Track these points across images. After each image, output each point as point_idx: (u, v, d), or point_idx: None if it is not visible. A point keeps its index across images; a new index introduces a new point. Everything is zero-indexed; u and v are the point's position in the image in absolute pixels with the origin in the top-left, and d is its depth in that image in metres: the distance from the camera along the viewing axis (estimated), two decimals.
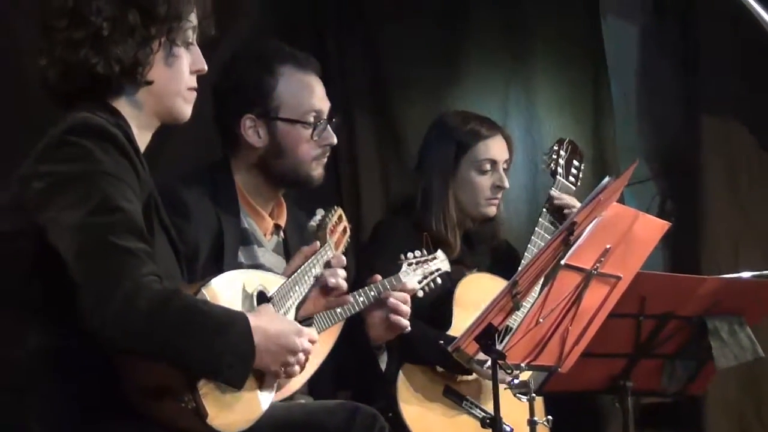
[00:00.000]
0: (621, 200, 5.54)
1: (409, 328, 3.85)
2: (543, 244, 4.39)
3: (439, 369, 4.28)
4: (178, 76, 2.95)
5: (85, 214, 2.64)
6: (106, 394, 2.70)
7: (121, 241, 2.62)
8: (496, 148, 4.59)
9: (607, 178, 3.19)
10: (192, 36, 2.99)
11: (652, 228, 3.55)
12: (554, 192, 4.56)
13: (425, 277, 3.94)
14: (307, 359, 2.98)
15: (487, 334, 3.22)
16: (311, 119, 3.80)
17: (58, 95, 2.91)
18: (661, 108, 5.78)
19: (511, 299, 3.29)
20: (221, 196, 3.75)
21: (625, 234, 3.41)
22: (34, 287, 2.72)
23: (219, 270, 3.55)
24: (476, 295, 4.37)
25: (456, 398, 4.27)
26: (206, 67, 3.03)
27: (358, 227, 5.54)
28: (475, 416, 4.21)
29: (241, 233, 3.76)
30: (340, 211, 3.64)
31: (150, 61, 2.88)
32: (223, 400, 2.77)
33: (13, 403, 2.70)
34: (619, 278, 3.51)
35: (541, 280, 3.42)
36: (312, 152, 3.81)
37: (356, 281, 3.73)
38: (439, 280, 3.99)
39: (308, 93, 3.83)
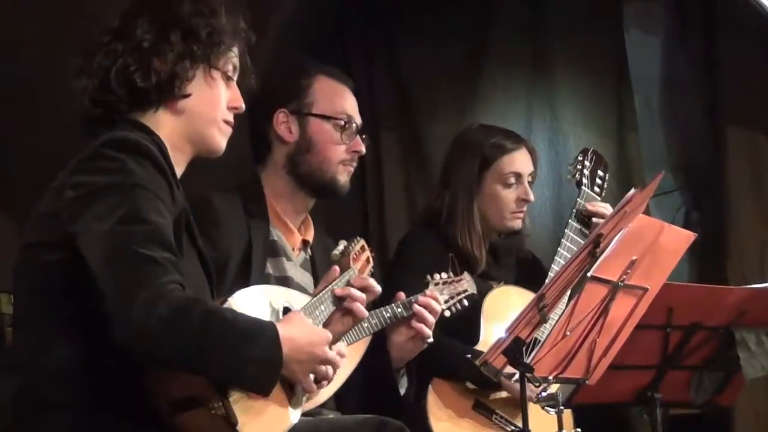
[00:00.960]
0: (647, 212, 5.54)
1: (431, 339, 3.82)
2: (569, 254, 4.40)
3: (469, 385, 4.25)
4: (215, 102, 3.00)
5: (114, 223, 2.65)
6: (136, 407, 2.70)
7: (147, 250, 2.63)
8: (520, 161, 4.57)
9: (633, 190, 3.17)
10: (233, 72, 3.04)
11: (678, 239, 3.53)
12: (582, 201, 4.54)
13: (452, 298, 3.92)
14: (335, 371, 2.97)
15: (514, 348, 3.20)
16: (342, 120, 3.82)
17: (96, 116, 2.92)
18: (684, 119, 5.76)
19: (538, 312, 3.27)
20: (252, 207, 3.77)
21: (651, 245, 3.39)
22: (68, 298, 2.72)
23: (247, 279, 3.57)
24: (503, 308, 4.38)
25: (486, 412, 4.24)
26: (243, 106, 3.07)
27: (382, 241, 5.57)
28: (505, 430, 4.18)
29: (270, 245, 3.77)
30: (362, 241, 3.63)
31: (188, 76, 2.91)
32: (253, 409, 2.77)
33: (45, 417, 2.70)
34: (645, 290, 3.49)
35: (568, 293, 3.40)
36: (340, 155, 3.83)
37: (383, 296, 3.69)
38: (465, 302, 3.97)
39: (341, 98, 3.87)
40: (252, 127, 3.85)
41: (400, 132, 5.79)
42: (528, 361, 3.26)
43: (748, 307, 3.84)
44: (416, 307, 3.78)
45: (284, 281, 3.73)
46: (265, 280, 3.67)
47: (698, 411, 4.31)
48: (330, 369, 2.93)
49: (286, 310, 3.05)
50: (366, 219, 5.73)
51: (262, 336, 2.72)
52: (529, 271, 4.66)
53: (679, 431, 4.80)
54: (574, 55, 5.70)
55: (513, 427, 4.16)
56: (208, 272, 2.99)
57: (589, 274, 3.26)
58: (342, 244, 3.53)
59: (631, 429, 4.55)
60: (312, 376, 2.91)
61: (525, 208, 4.58)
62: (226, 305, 2.85)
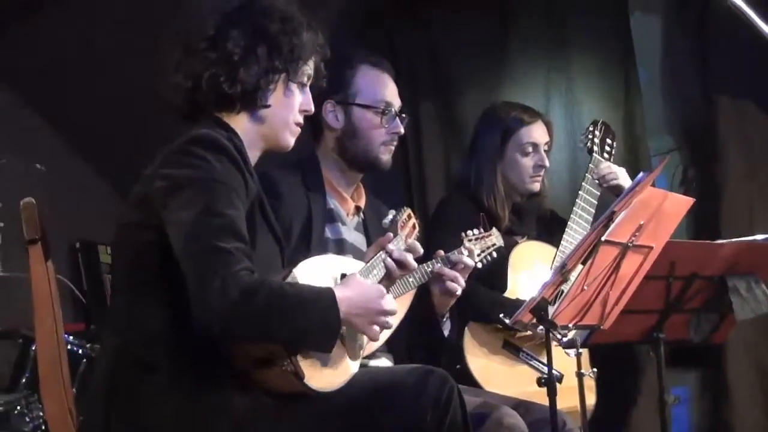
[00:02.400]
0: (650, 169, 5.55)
1: (459, 293, 3.82)
2: (583, 212, 4.43)
3: (499, 326, 4.28)
4: (289, 109, 3.03)
5: (194, 215, 2.68)
6: (220, 366, 2.75)
7: (220, 242, 2.66)
8: (537, 132, 4.61)
9: (641, 174, 3.20)
10: (307, 80, 3.07)
11: (678, 204, 3.53)
12: (593, 166, 4.56)
13: (483, 251, 3.95)
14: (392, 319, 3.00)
15: (540, 307, 3.24)
16: (382, 107, 3.83)
17: (185, 110, 2.97)
18: (682, 90, 5.71)
19: (561, 275, 3.30)
20: (310, 180, 3.79)
21: (655, 211, 3.39)
22: (160, 273, 2.76)
23: (308, 243, 3.61)
24: (527, 260, 4.44)
25: (513, 350, 4.28)
26: (313, 109, 3.11)
27: (423, 202, 5.61)
28: (530, 365, 4.22)
29: (327, 212, 3.79)
30: (408, 210, 3.63)
31: (269, 89, 2.95)
32: (318, 363, 2.81)
33: (141, 376, 2.75)
34: (651, 248, 3.49)
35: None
36: (381, 137, 3.84)
37: (425, 250, 3.72)
38: (494, 254, 3.98)
39: (381, 86, 3.88)
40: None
41: (437, 104, 5.80)
42: (552, 313, 3.31)
43: (739, 259, 3.82)
44: (447, 271, 3.78)
45: (340, 243, 3.77)
46: (323, 243, 3.71)
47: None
48: (389, 318, 2.96)
49: (344, 276, 3.06)
50: (409, 184, 5.75)
51: (318, 303, 2.76)
52: (549, 226, 4.71)
53: (679, 359, 4.86)
54: (586, 35, 5.66)
55: (537, 362, 4.19)
56: (280, 244, 3.02)
57: (603, 239, 3.30)
58: (391, 214, 3.54)
59: (639, 364, 4.59)
60: (375, 326, 2.94)
61: (542, 173, 4.62)
62: (290, 277, 2.85)
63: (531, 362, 4.18)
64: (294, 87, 3.02)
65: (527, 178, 4.58)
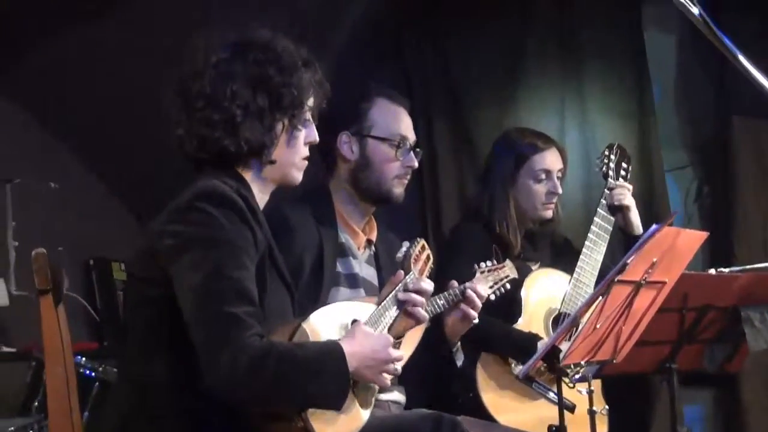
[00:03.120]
0: (663, 188, 5.53)
1: (477, 320, 3.82)
2: (598, 238, 4.40)
3: (511, 360, 4.28)
4: (295, 151, 2.99)
5: (201, 278, 2.66)
6: (231, 420, 2.73)
7: (229, 307, 2.64)
8: (550, 159, 4.58)
9: (654, 226, 3.18)
10: (309, 115, 3.02)
11: (692, 240, 3.50)
12: (608, 191, 4.53)
13: (496, 283, 3.94)
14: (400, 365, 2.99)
15: (551, 355, 3.22)
16: (397, 140, 3.83)
17: (192, 159, 2.93)
18: (696, 106, 5.69)
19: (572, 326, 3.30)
20: (321, 214, 3.78)
21: (669, 248, 3.38)
22: (169, 327, 2.73)
23: (320, 278, 3.60)
24: (541, 288, 4.42)
25: (526, 381, 4.24)
26: (318, 139, 3.06)
27: (437, 224, 5.60)
28: (544, 397, 4.19)
29: (339, 246, 3.78)
30: (422, 242, 3.60)
31: (275, 144, 2.91)
32: (328, 417, 2.78)
33: (151, 424, 2.74)
34: (664, 283, 3.48)
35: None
36: (395, 170, 3.84)
37: (437, 278, 3.71)
38: (508, 286, 3.98)
39: (397, 120, 3.87)
40: (319, 144, 3.86)
41: (451, 125, 5.78)
42: (564, 354, 3.30)
43: (752, 290, 3.81)
44: (468, 292, 3.79)
45: (352, 278, 3.77)
46: (335, 277, 3.71)
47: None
48: (397, 365, 2.95)
49: (354, 323, 3.02)
50: (423, 206, 5.74)
51: (329, 362, 2.74)
52: (562, 253, 4.67)
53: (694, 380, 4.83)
54: (600, 52, 5.61)
55: (551, 393, 4.16)
56: (290, 291, 3.00)
57: (615, 279, 3.28)
58: (405, 246, 3.51)
59: (652, 393, 4.57)
60: (384, 375, 2.93)
61: (555, 200, 4.59)
62: (299, 332, 2.83)
63: (545, 393, 4.15)
64: (298, 132, 2.99)
65: (540, 205, 4.55)
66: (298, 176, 3.04)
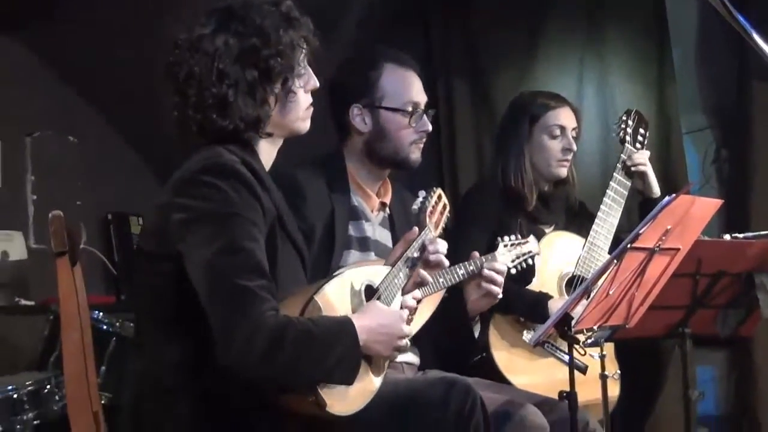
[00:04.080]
0: (680, 150, 5.53)
1: (500, 296, 3.86)
2: (616, 197, 4.41)
3: (522, 319, 4.30)
4: (296, 107, 2.96)
5: (214, 253, 2.65)
6: (245, 393, 2.74)
7: (242, 280, 2.63)
8: (563, 116, 4.58)
9: (666, 198, 3.18)
10: (304, 65, 2.97)
11: (707, 207, 3.49)
12: (625, 156, 4.53)
13: (518, 258, 3.96)
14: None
15: (563, 322, 3.24)
16: (409, 108, 3.81)
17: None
18: (717, 71, 5.69)
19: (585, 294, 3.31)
20: (334, 178, 3.78)
21: (683, 215, 3.37)
22: (180, 302, 2.73)
23: (332, 242, 3.61)
24: (555, 251, 4.43)
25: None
26: (318, 84, 3.01)
27: (455, 185, 5.60)
28: (555, 357, 4.21)
29: (351, 210, 3.79)
30: (439, 191, 3.59)
31: (270, 114, 2.88)
32: (340, 389, 2.79)
33: (164, 400, 2.76)
34: (678, 249, 3.48)
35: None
36: (410, 137, 3.82)
37: (450, 244, 3.71)
38: (530, 261, 4.01)
39: (407, 87, 3.84)
40: (332, 116, 3.87)
41: (470, 86, 5.77)
42: (576, 320, 3.31)
43: (766, 257, 3.83)
44: (485, 270, 3.82)
45: (364, 241, 3.78)
46: (347, 241, 3.72)
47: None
48: (407, 340, 2.96)
49: (368, 288, 3.04)
50: (441, 167, 5.74)
51: (341, 338, 2.74)
52: (577, 217, 4.67)
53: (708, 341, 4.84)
54: (621, 15, 5.61)
55: (561, 353, 4.18)
56: (303, 258, 2.99)
57: (628, 246, 3.29)
58: (421, 197, 3.49)
59: (665, 358, 4.59)
60: (395, 350, 2.94)
61: (570, 157, 4.58)
62: (314, 302, 2.82)
63: (556, 353, 4.17)
64: (294, 94, 2.94)
65: (554, 162, 4.55)
66: (304, 126, 3.01)
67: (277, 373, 2.66)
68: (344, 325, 2.78)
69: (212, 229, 2.68)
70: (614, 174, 4.49)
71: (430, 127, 3.86)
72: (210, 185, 2.72)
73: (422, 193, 3.52)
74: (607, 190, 4.46)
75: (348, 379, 2.76)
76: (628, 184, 4.48)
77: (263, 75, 2.85)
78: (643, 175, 4.53)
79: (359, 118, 3.81)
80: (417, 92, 3.86)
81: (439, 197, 3.58)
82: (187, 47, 2.85)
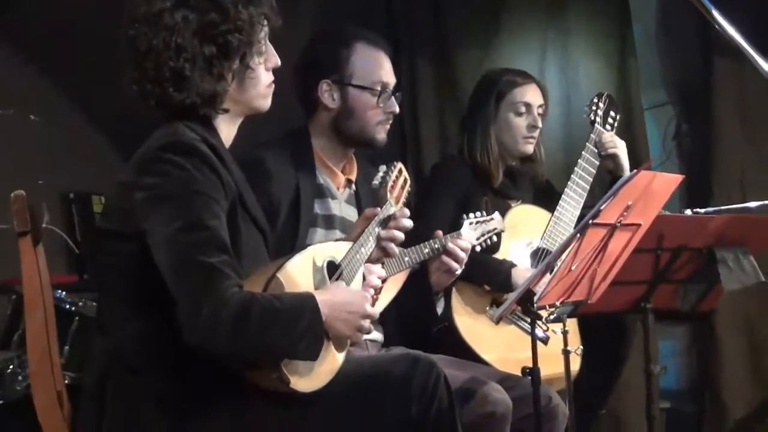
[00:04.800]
0: (642, 125, 5.56)
1: (459, 272, 3.88)
2: (584, 175, 4.44)
3: (486, 287, 4.31)
4: (256, 84, 2.96)
5: (176, 230, 2.66)
6: (209, 369, 2.74)
7: (206, 257, 2.64)
8: (530, 93, 4.60)
9: (627, 173, 3.21)
10: (264, 43, 2.97)
11: (667, 182, 3.51)
12: (596, 137, 4.56)
13: (483, 235, 3.98)
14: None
15: (526, 298, 3.25)
16: (378, 88, 3.82)
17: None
18: (678, 46, 5.72)
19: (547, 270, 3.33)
20: (299, 156, 3.79)
21: (644, 191, 3.39)
22: (143, 281, 2.74)
23: (297, 220, 3.62)
24: (520, 224, 4.45)
25: None
26: (279, 62, 3.01)
27: (418, 161, 5.60)
28: (518, 326, 4.24)
29: (316, 188, 3.80)
30: (399, 165, 3.58)
31: (227, 90, 2.88)
32: (303, 366, 2.81)
33: (130, 378, 2.76)
34: (639, 225, 3.50)
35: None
36: (377, 117, 3.83)
37: (415, 220, 3.73)
38: (495, 238, 4.03)
39: (377, 66, 3.85)
40: (299, 92, 3.88)
41: (433, 61, 5.76)
42: (538, 296, 3.33)
43: (727, 231, 3.83)
44: (450, 245, 3.84)
45: (329, 219, 3.79)
46: (312, 219, 3.73)
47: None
48: (369, 322, 2.96)
49: (330, 264, 3.05)
50: (404, 142, 5.73)
51: (304, 313, 2.75)
52: (543, 193, 4.70)
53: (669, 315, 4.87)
54: None
55: (525, 323, 4.19)
56: (264, 235, 3.00)
57: (590, 222, 3.31)
58: (381, 171, 3.49)
59: (627, 333, 4.61)
60: (358, 331, 2.94)
61: (536, 134, 4.60)
62: (276, 279, 2.81)
63: (519, 323, 4.20)
64: (254, 69, 2.94)
65: (520, 139, 4.57)
66: (265, 104, 3.01)
67: (243, 348, 2.67)
68: (306, 300, 2.79)
69: (175, 208, 2.69)
70: (583, 153, 4.53)
71: (397, 109, 3.88)
72: (172, 163, 2.72)
73: (383, 168, 3.52)
74: (576, 168, 4.50)
75: (312, 354, 2.77)
76: (597, 163, 4.52)
77: (221, 50, 2.85)
78: (614, 157, 4.54)
79: (327, 94, 3.82)
80: (387, 73, 3.87)
81: (400, 171, 3.57)
82: (145, 21, 2.85)
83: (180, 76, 2.82)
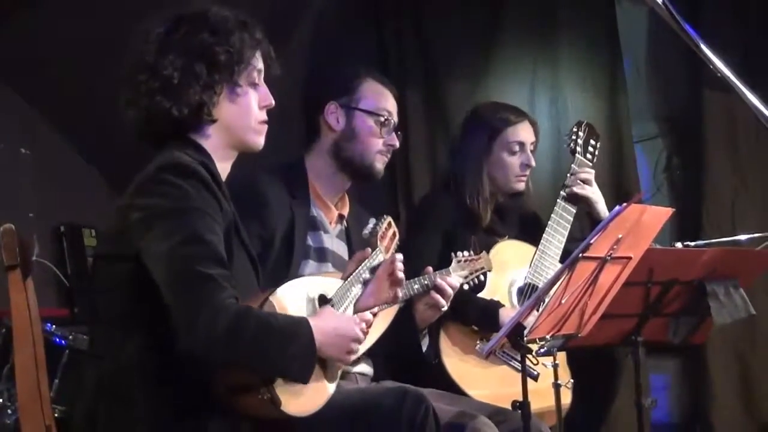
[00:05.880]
0: (632, 159, 5.58)
1: (446, 308, 3.90)
2: (567, 206, 4.45)
3: (474, 327, 4.31)
4: (245, 111, 2.99)
5: (175, 244, 2.68)
6: (199, 395, 2.75)
7: (204, 269, 2.67)
8: (523, 131, 4.61)
9: (617, 207, 3.21)
10: (258, 77, 3.02)
11: (657, 216, 3.52)
12: (576, 167, 4.57)
13: (471, 274, 4.01)
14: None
15: (516, 332, 3.25)
16: (384, 115, 3.90)
17: (148, 137, 2.95)
18: (668, 79, 5.75)
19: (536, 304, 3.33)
20: (295, 188, 3.82)
21: (634, 224, 3.40)
22: (137, 304, 2.76)
23: (290, 251, 3.63)
24: (507, 259, 4.44)
25: None
26: (273, 102, 3.06)
27: (408, 194, 5.62)
28: (508, 365, 4.24)
29: (310, 220, 3.82)
30: (389, 218, 3.65)
31: (214, 102, 2.92)
32: (294, 389, 2.81)
33: (120, 407, 2.76)
34: (629, 258, 3.51)
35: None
36: (377, 146, 3.91)
37: (407, 250, 3.74)
38: (482, 278, 4.06)
39: (385, 99, 3.96)
40: (304, 114, 3.95)
41: (424, 95, 5.79)
42: (528, 329, 3.33)
43: (718, 264, 3.84)
44: (439, 281, 3.86)
45: (321, 252, 3.82)
46: (305, 251, 3.75)
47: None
48: (359, 346, 2.99)
49: (321, 297, 3.07)
50: (395, 176, 5.74)
51: (299, 335, 2.78)
52: (530, 227, 4.69)
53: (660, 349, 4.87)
54: (573, 26, 5.68)
55: (515, 361, 4.20)
56: (255, 266, 3.01)
57: (580, 255, 3.31)
58: (371, 223, 3.55)
59: (618, 366, 4.61)
60: (349, 355, 2.97)
61: (528, 172, 4.62)
62: (269, 302, 2.86)
63: (509, 362, 4.20)
64: (242, 90, 2.98)
65: (513, 178, 4.58)
66: (257, 140, 3.04)
67: (238, 357, 2.70)
68: (301, 323, 2.83)
69: (172, 224, 2.72)
70: (564, 183, 4.55)
71: (397, 144, 3.96)
72: (169, 183, 2.76)
73: (373, 220, 3.60)
74: (558, 200, 4.52)
75: (305, 375, 2.79)
76: (573, 210, 4.52)
77: (210, 64, 2.91)
78: (587, 200, 4.55)
79: (333, 116, 3.89)
80: (392, 107, 3.97)
81: (389, 224, 3.64)
82: (143, 45, 2.93)
83: (169, 85, 2.87)
